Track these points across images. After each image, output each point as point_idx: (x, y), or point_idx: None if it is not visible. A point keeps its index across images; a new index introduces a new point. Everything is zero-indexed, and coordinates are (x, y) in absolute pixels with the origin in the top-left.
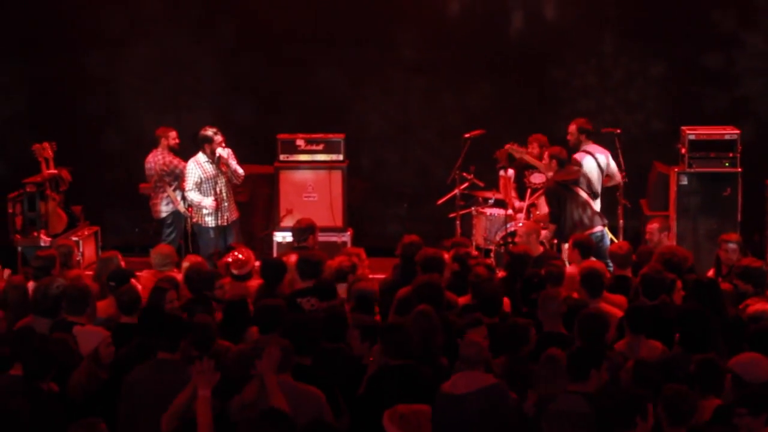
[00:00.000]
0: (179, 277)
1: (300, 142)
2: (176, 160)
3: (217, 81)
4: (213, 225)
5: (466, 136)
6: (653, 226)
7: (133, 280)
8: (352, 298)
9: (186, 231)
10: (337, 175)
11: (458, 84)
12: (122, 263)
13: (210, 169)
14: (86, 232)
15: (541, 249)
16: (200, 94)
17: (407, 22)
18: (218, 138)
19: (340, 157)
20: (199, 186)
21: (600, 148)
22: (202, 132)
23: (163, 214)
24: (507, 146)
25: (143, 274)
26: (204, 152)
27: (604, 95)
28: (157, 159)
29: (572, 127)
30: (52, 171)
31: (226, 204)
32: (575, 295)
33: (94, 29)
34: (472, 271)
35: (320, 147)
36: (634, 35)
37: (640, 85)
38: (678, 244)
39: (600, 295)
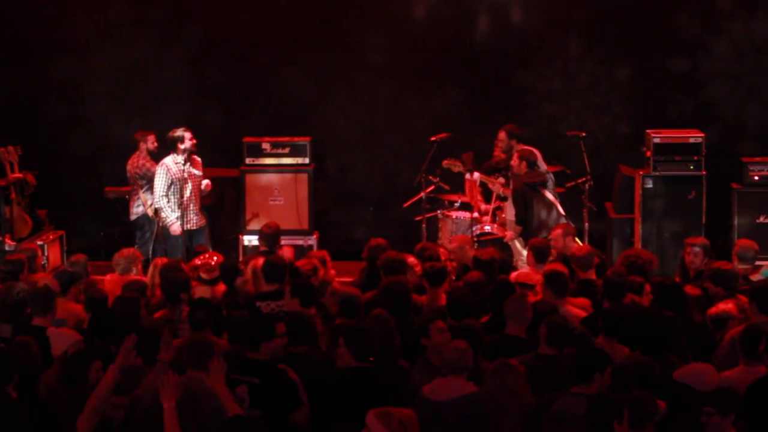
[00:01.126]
0: (145, 279)
1: (266, 146)
2: (149, 163)
3: (184, 85)
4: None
5: (432, 139)
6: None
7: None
8: (336, 302)
9: (157, 234)
10: (303, 179)
11: (424, 88)
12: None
13: (180, 170)
14: (51, 236)
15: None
16: (167, 98)
17: (374, 27)
18: (188, 134)
19: (306, 161)
20: (168, 188)
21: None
22: (171, 133)
23: (134, 217)
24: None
25: (107, 277)
26: (176, 152)
27: (569, 99)
28: (132, 162)
29: (502, 134)
30: (17, 175)
31: (194, 208)
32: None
33: (60, 33)
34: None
35: (286, 150)
36: (599, 39)
37: (606, 89)
38: (643, 248)
39: (564, 296)
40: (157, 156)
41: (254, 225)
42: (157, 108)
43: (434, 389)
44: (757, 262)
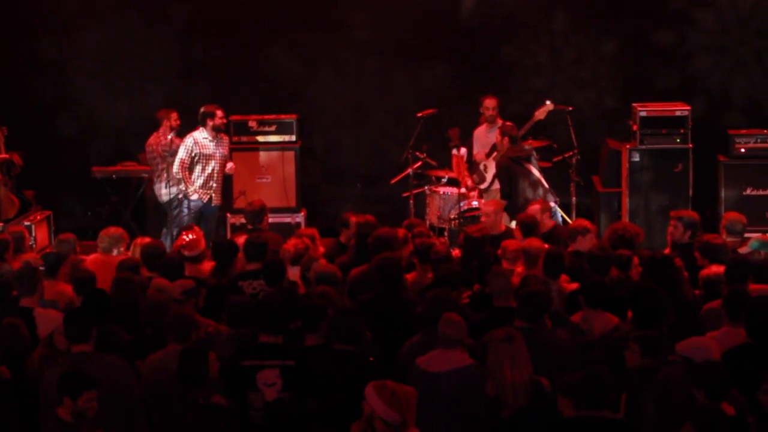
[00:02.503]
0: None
1: (252, 124)
2: (177, 140)
3: (170, 64)
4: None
5: (419, 115)
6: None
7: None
8: (313, 281)
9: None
10: (290, 156)
11: (410, 64)
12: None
13: (209, 146)
14: (39, 217)
15: (504, 227)
16: (153, 77)
17: (359, 3)
18: (219, 112)
19: (293, 138)
20: (191, 162)
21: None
22: (203, 108)
23: (166, 198)
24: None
25: (90, 257)
26: (205, 128)
27: (555, 73)
28: (158, 140)
29: (493, 102)
30: (4, 155)
31: (214, 186)
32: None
33: (45, 12)
34: (431, 250)
35: (273, 128)
36: (585, 13)
37: (592, 63)
38: (630, 221)
39: (558, 277)
40: (180, 134)
41: (241, 203)
42: (143, 87)
43: (430, 361)
44: (746, 234)
